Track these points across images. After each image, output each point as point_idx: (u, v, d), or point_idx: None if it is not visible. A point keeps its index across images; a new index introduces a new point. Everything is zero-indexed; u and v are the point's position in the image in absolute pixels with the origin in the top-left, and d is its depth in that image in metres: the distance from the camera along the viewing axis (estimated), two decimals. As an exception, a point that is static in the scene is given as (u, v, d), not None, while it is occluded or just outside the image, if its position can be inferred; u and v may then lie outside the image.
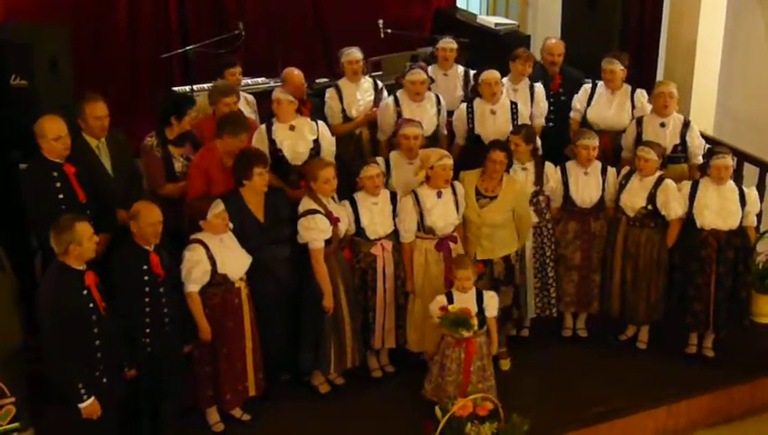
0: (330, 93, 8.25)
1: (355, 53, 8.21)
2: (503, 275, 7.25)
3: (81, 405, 5.70)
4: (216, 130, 7.01)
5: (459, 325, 6.49)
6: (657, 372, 7.43)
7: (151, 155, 7.18)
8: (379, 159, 7.29)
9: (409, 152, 7.28)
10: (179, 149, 7.18)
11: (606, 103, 8.23)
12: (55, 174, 6.44)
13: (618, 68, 8.14)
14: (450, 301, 6.65)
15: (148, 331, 6.10)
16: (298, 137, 7.38)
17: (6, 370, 6.09)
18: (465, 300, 6.64)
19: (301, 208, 6.73)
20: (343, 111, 8.21)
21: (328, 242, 6.74)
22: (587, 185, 7.45)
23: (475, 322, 6.52)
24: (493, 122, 7.92)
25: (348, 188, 7.13)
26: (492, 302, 6.74)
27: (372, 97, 8.30)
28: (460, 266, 6.67)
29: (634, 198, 7.34)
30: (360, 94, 8.26)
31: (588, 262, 7.59)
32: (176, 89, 9.36)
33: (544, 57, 8.64)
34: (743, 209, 7.21)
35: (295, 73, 8.03)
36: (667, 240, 7.39)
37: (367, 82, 8.36)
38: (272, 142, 7.32)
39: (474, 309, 6.62)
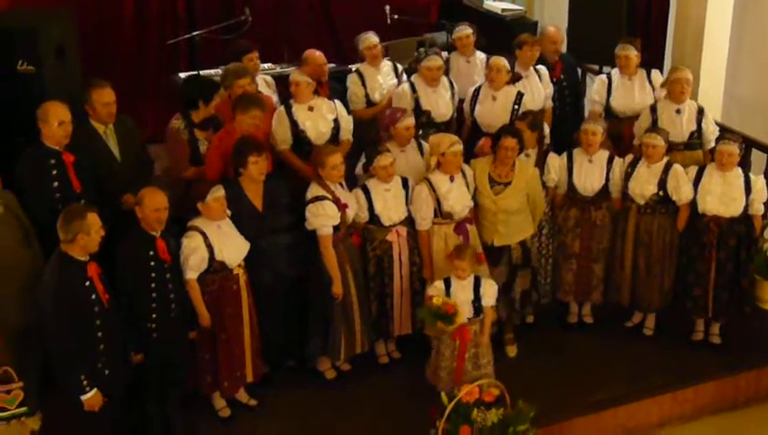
0: (352, 79, 8.26)
1: (372, 38, 8.24)
2: (520, 260, 7.28)
3: (84, 397, 5.70)
4: (232, 111, 7.02)
5: (439, 319, 6.48)
6: (664, 358, 7.44)
7: (177, 138, 7.19)
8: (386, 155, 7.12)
9: (406, 141, 7.31)
10: (204, 132, 7.20)
11: (628, 90, 8.20)
12: (53, 161, 6.42)
13: (632, 53, 8.12)
14: (448, 286, 6.67)
15: (154, 316, 6.11)
16: (318, 117, 7.40)
17: (16, 354, 6.10)
18: (462, 287, 6.66)
19: (309, 195, 6.74)
20: (366, 95, 8.22)
21: (336, 228, 6.75)
22: (589, 173, 7.42)
23: (458, 319, 6.50)
24: (490, 108, 7.91)
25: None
26: (490, 290, 6.74)
27: (394, 81, 8.32)
28: (458, 257, 6.67)
29: (644, 186, 7.32)
30: (381, 78, 8.29)
31: (587, 251, 7.57)
32: (182, 75, 9.35)
33: (546, 45, 8.62)
34: (747, 197, 7.20)
35: (316, 54, 8.00)
36: (678, 224, 7.38)
37: (387, 66, 8.39)
38: (293, 123, 7.33)
39: (470, 297, 6.64)
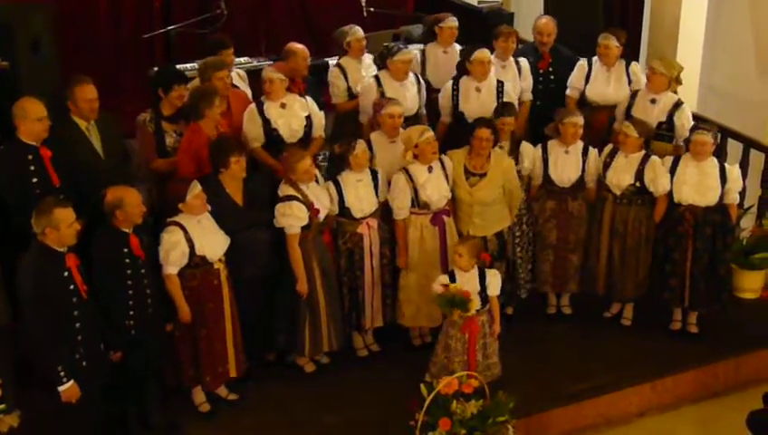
0: (333, 72, 8.23)
1: (360, 31, 8.25)
2: (496, 252, 7.29)
3: (61, 388, 5.69)
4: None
5: (455, 306, 6.49)
6: (642, 348, 7.47)
7: (144, 130, 7.21)
8: (360, 142, 7.13)
9: (393, 131, 7.28)
10: (173, 125, 7.17)
11: (604, 80, 8.22)
12: (30, 157, 6.39)
13: (613, 44, 8.13)
14: (452, 280, 6.64)
15: (131, 313, 6.09)
16: (290, 114, 7.38)
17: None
18: (467, 279, 6.64)
19: (279, 193, 6.73)
20: (348, 88, 8.20)
21: (306, 227, 6.73)
22: (566, 164, 7.46)
23: (472, 305, 6.53)
24: (477, 100, 7.91)
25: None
26: (494, 280, 6.74)
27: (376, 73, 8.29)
28: (460, 242, 6.73)
29: (621, 176, 7.35)
30: (364, 71, 8.26)
31: (564, 242, 7.61)
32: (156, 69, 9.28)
33: (534, 36, 8.61)
34: (723, 186, 7.24)
35: (300, 48, 7.96)
36: (655, 216, 7.42)
37: (368, 58, 8.36)
38: (265, 122, 7.30)
39: (476, 288, 6.63)
